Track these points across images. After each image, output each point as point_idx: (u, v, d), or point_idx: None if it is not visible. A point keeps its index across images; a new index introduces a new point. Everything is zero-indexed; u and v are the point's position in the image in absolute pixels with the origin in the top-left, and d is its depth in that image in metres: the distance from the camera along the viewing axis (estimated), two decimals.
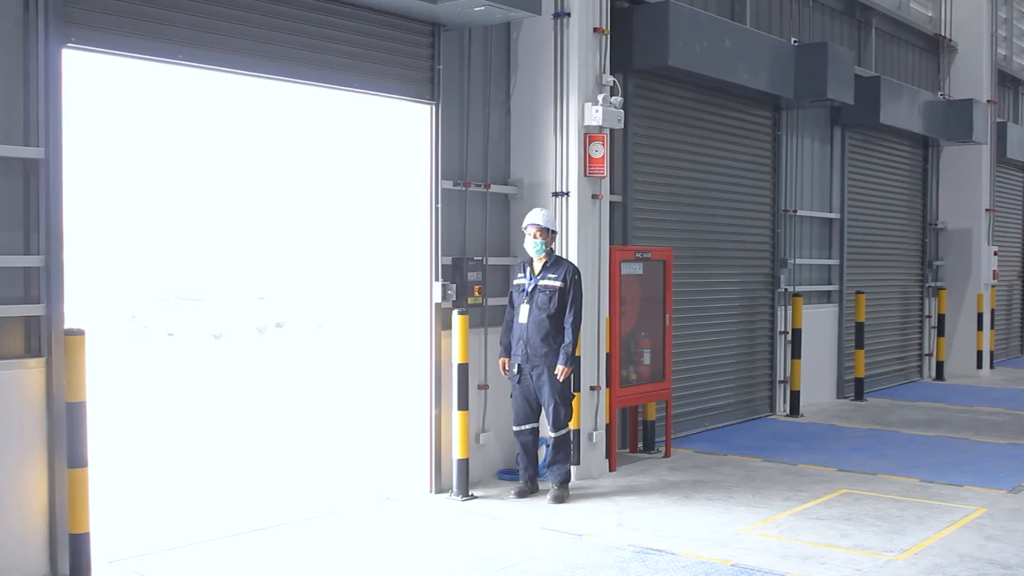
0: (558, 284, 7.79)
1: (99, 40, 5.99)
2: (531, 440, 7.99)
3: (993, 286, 16.72)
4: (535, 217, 7.85)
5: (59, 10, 5.73)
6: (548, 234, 7.84)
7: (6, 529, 5.63)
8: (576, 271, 7.92)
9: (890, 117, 13.51)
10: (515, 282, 8.02)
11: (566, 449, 7.92)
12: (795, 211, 12.45)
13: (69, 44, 5.83)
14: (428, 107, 7.97)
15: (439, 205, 7.99)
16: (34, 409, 5.73)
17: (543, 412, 7.94)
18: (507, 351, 7.99)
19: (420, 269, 8.05)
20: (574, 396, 8.07)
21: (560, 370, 7.72)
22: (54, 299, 5.77)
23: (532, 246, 7.87)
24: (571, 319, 7.78)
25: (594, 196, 8.58)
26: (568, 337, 7.77)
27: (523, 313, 7.86)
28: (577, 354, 8.11)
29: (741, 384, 11.70)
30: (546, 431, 7.96)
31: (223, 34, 6.62)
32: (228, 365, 9.26)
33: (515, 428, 8.00)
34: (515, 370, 7.90)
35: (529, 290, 7.85)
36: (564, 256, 8.27)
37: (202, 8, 6.48)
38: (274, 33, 6.93)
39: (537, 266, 7.91)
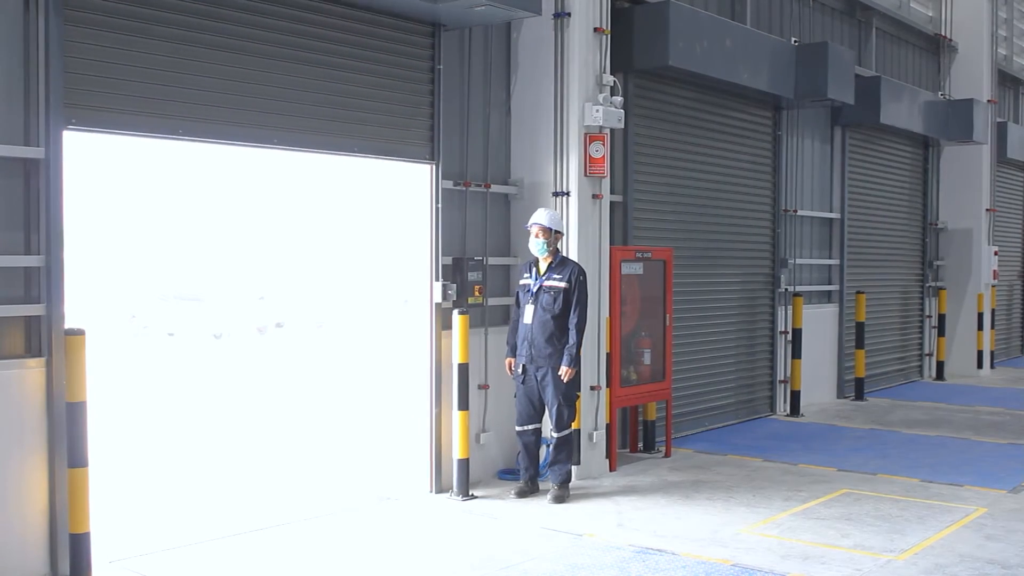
0: (563, 285, 7.79)
1: (99, 121, 6.02)
2: (533, 441, 7.98)
3: (993, 286, 16.72)
4: (539, 217, 7.85)
5: (59, 93, 5.75)
6: (552, 234, 7.83)
7: (7, 529, 5.63)
8: (582, 272, 7.91)
9: (890, 117, 13.51)
10: (521, 282, 8.02)
11: (568, 449, 7.91)
12: (795, 211, 12.45)
13: (70, 126, 5.85)
14: (428, 166, 7.99)
15: (439, 205, 7.99)
16: (34, 409, 5.73)
17: (547, 413, 7.94)
18: (514, 351, 7.99)
19: (420, 269, 8.05)
20: (578, 397, 8.07)
21: (564, 371, 7.72)
22: (54, 299, 5.77)
23: (535, 246, 7.86)
24: (575, 320, 7.78)
25: (594, 196, 8.58)
26: (572, 338, 7.76)
27: (528, 314, 7.86)
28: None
29: (741, 384, 11.70)
30: (548, 431, 7.96)
31: (222, 106, 6.64)
32: (228, 365, 9.24)
33: (518, 428, 8.00)
34: (519, 370, 7.90)
35: (534, 291, 7.84)
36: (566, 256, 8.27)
37: (200, 82, 6.50)
38: (275, 103, 6.96)
39: (543, 266, 7.90)
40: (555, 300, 7.77)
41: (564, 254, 8.21)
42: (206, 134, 6.60)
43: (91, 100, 5.95)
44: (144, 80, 6.20)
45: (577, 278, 7.83)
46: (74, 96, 5.86)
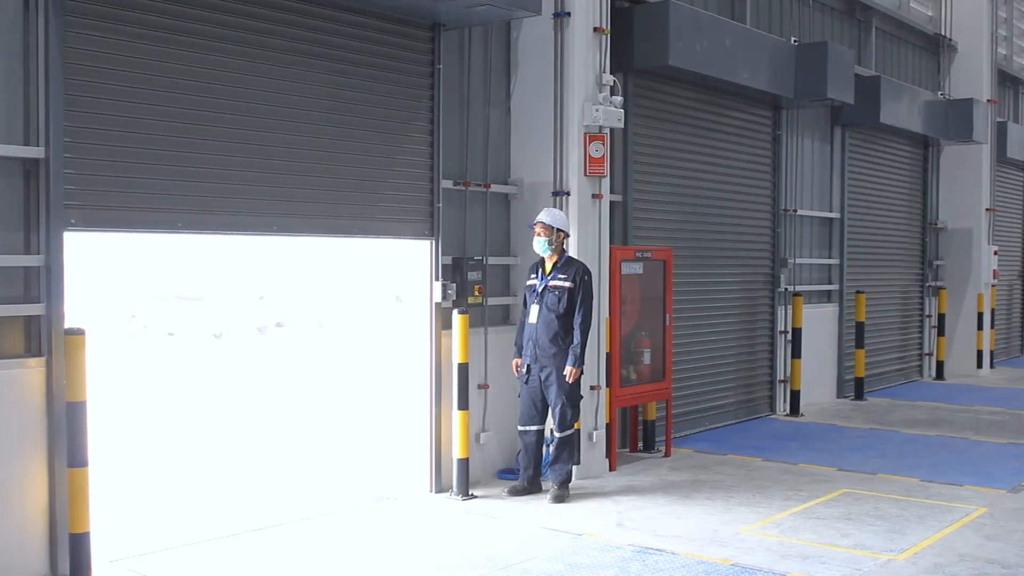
0: (568, 285, 7.79)
1: (99, 220, 6.03)
2: (535, 441, 7.98)
3: (993, 286, 16.73)
4: (541, 215, 7.88)
5: (60, 194, 5.76)
6: (554, 232, 7.84)
7: (6, 528, 5.63)
8: (587, 272, 7.91)
9: (890, 117, 13.51)
10: (528, 282, 8.04)
11: (569, 449, 7.91)
12: (795, 211, 12.45)
13: (70, 227, 5.86)
14: (428, 242, 8.00)
15: (439, 205, 8.00)
16: (34, 409, 5.73)
17: (550, 413, 7.94)
18: (521, 352, 7.99)
19: (420, 269, 8.05)
20: (582, 397, 8.07)
21: (569, 371, 7.72)
22: (54, 299, 5.77)
23: (536, 244, 7.88)
24: (579, 320, 7.77)
25: (594, 196, 8.58)
26: (576, 338, 7.76)
27: (533, 313, 7.86)
28: None
29: (741, 384, 11.70)
30: (549, 430, 7.96)
31: (220, 196, 6.65)
32: (228, 365, 9.23)
33: (520, 428, 8.01)
34: (524, 370, 7.90)
35: (539, 290, 7.85)
36: None
37: (198, 173, 6.50)
38: (274, 189, 6.96)
39: (548, 266, 7.91)
40: (560, 300, 7.77)
41: (570, 254, 8.23)
42: (205, 226, 6.60)
43: (90, 200, 5.95)
44: (142, 175, 6.21)
45: (582, 278, 7.83)
46: (73, 196, 5.86)
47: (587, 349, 8.37)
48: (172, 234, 6.48)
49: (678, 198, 10.71)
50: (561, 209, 8.39)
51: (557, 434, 7.84)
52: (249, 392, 9.03)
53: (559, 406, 7.79)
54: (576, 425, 8.08)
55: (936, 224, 16.27)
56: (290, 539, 6.70)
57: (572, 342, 7.77)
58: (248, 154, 6.80)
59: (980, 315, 16.23)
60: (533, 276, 8.00)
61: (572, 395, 7.84)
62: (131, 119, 6.17)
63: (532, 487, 7.99)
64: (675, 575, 6.03)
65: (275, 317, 9.99)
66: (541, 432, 8.00)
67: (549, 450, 7.96)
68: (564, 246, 8.00)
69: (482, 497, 7.88)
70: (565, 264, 7.89)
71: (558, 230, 7.86)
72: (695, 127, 10.92)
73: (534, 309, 7.87)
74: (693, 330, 10.86)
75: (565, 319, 7.78)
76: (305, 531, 6.89)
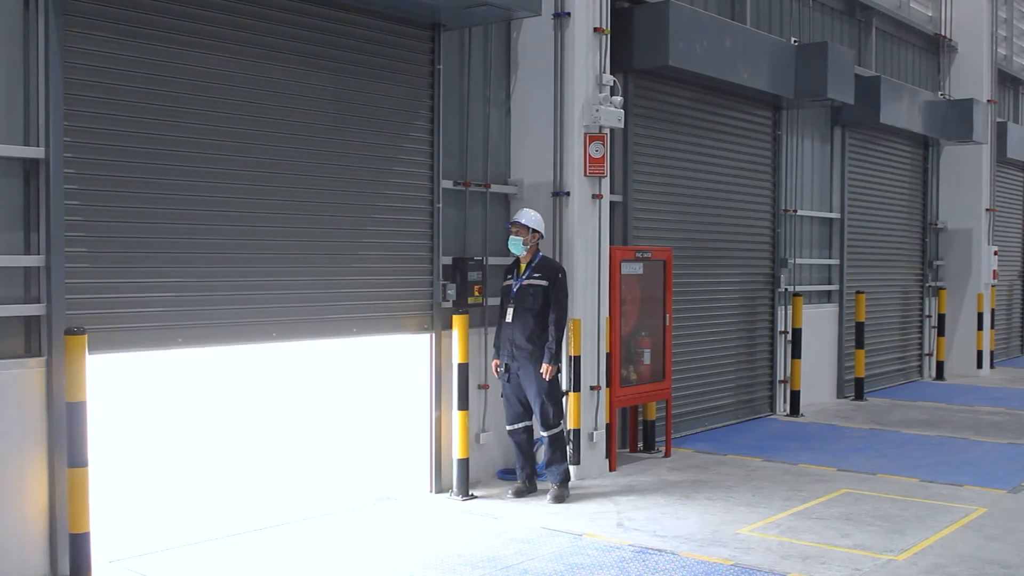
0: (543, 283, 7.84)
1: (98, 343, 5.96)
2: (525, 439, 8.00)
3: (993, 286, 16.73)
4: (517, 215, 7.96)
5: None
6: (530, 233, 7.88)
7: (6, 529, 5.63)
8: (561, 270, 7.95)
9: (890, 117, 13.51)
10: (504, 284, 8.07)
11: (562, 448, 7.92)
12: (795, 211, 12.45)
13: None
14: (427, 335, 8.02)
15: (439, 205, 8.00)
16: (34, 409, 5.73)
17: (534, 413, 7.95)
18: (499, 353, 8.01)
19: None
20: (564, 394, 8.08)
21: (544, 368, 7.74)
22: (54, 299, 5.77)
23: (512, 244, 7.94)
24: (554, 317, 7.81)
25: (594, 196, 8.58)
26: (552, 335, 7.79)
27: (509, 313, 7.90)
28: (575, 354, 8.13)
29: (741, 384, 11.70)
30: (539, 431, 7.97)
31: (219, 306, 6.70)
32: (228, 365, 9.24)
33: (508, 428, 8.02)
34: (503, 369, 7.93)
35: (515, 290, 7.88)
36: (563, 256, 8.30)
37: (195, 284, 6.53)
38: (270, 294, 7.03)
39: (522, 266, 7.95)
40: (535, 298, 7.82)
41: (559, 254, 8.26)
42: (205, 340, 6.66)
43: (89, 322, 5.93)
44: (141, 292, 6.24)
45: (557, 276, 7.88)
46: (73, 322, 5.84)
47: (587, 350, 8.40)
48: (170, 349, 6.53)
49: (678, 198, 10.71)
50: (560, 209, 8.40)
51: (544, 434, 7.86)
52: (249, 392, 9.04)
53: (540, 404, 7.81)
54: (571, 424, 8.09)
55: (936, 224, 16.27)
56: (290, 539, 6.70)
57: (547, 339, 7.79)
58: (241, 263, 6.82)
59: (980, 315, 16.23)
60: (509, 277, 8.05)
61: (552, 393, 7.85)
62: (129, 238, 6.17)
63: (531, 486, 8.00)
64: (675, 575, 6.03)
65: None
66: (530, 428, 8.01)
67: (542, 451, 7.97)
68: (538, 247, 8.02)
69: (482, 497, 7.88)
70: (540, 263, 7.93)
71: (533, 231, 7.90)
72: (695, 127, 10.92)
73: (510, 309, 7.91)
74: (693, 330, 10.86)
75: (541, 317, 7.82)
76: (305, 531, 6.89)
